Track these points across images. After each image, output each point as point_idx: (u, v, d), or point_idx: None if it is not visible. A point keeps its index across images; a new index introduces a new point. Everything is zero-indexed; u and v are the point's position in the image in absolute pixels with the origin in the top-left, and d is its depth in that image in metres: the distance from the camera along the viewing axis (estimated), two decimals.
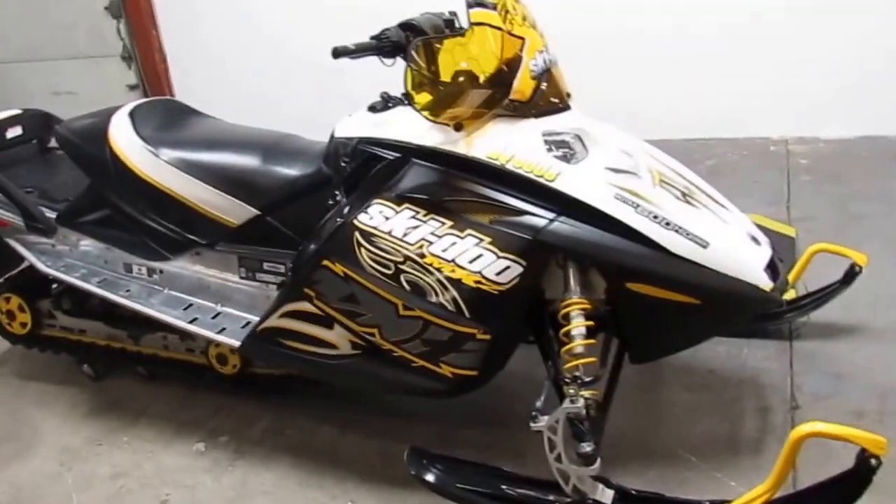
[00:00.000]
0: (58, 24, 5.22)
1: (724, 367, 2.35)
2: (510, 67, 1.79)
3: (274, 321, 2.03)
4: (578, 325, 1.75)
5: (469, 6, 1.77)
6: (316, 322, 1.97)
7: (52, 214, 2.44)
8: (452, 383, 1.87)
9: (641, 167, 1.87)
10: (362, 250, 1.83)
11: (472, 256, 1.75)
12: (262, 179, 2.12)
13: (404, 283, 1.81)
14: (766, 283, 1.77)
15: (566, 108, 1.91)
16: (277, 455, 2.22)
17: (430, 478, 1.81)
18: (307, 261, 1.95)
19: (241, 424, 2.37)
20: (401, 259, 1.80)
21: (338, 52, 1.80)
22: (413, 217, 1.80)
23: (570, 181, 1.75)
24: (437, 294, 1.79)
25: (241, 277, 2.24)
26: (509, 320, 1.83)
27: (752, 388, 2.25)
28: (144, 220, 2.27)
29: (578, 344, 1.74)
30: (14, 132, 2.63)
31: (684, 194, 1.87)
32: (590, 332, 1.76)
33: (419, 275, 1.79)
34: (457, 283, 1.76)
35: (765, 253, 1.86)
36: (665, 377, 2.33)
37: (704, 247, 1.73)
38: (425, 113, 1.79)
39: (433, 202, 1.80)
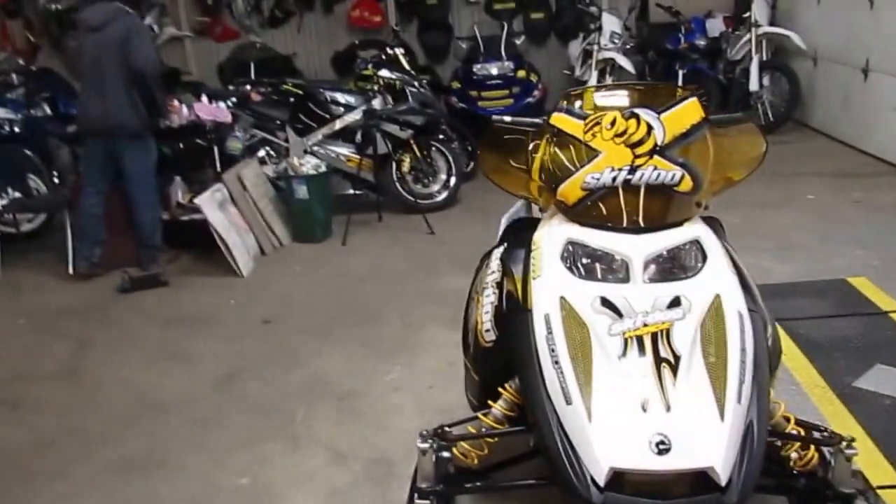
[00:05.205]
0: None
1: None
2: (562, 171, 1.93)
3: None
4: (497, 408, 1.96)
5: (557, 109, 1.97)
6: None
7: None
8: (469, 400, 2.26)
9: (650, 318, 1.74)
10: (479, 270, 2.31)
11: (486, 309, 2.09)
12: None
13: (469, 305, 2.26)
14: (579, 483, 1.60)
15: (631, 230, 1.88)
16: None
17: None
18: None
19: None
20: (477, 289, 2.23)
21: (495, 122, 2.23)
22: (497, 261, 2.18)
23: (539, 286, 1.87)
24: (469, 324, 2.20)
25: None
26: (493, 375, 2.08)
27: None
28: None
29: (486, 421, 1.96)
30: None
31: (647, 361, 1.69)
32: (511, 422, 1.94)
33: (473, 304, 2.21)
34: (474, 323, 2.14)
35: (653, 463, 1.57)
36: None
37: (567, 403, 1.67)
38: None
39: (504, 258, 2.13)
